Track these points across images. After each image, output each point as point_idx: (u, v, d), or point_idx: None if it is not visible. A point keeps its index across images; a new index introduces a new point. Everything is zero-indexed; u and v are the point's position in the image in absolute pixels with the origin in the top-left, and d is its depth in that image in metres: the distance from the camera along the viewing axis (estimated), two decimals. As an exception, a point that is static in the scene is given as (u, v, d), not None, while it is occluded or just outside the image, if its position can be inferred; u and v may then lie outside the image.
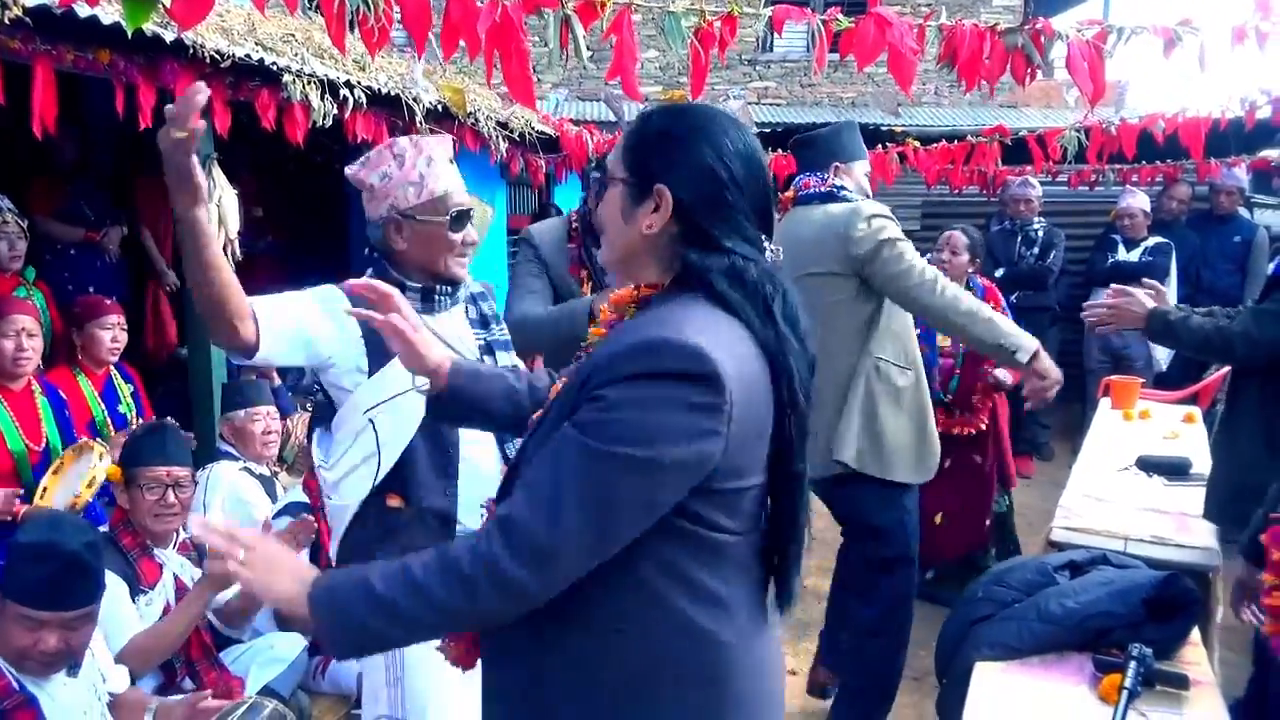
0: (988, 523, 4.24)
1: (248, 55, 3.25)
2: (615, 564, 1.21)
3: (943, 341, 4.14)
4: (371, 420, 1.94)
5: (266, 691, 2.51)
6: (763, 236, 1.31)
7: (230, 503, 3.10)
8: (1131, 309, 2.83)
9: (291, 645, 2.72)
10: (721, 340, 1.21)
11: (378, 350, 1.90)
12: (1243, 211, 6.43)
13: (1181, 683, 1.92)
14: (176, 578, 2.61)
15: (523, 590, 1.17)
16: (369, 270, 2.04)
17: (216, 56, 3.10)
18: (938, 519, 4.15)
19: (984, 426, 4.19)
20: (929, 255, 4.09)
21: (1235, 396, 2.79)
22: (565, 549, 1.17)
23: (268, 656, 2.65)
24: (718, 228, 1.28)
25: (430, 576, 1.18)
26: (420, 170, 2.00)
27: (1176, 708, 1.88)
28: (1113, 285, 2.97)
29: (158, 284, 5.04)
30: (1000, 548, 4.36)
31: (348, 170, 2.07)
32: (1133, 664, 1.87)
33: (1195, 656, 2.12)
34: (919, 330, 4.13)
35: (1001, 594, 2.28)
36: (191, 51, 3.02)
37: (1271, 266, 2.84)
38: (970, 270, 4.23)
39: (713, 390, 1.18)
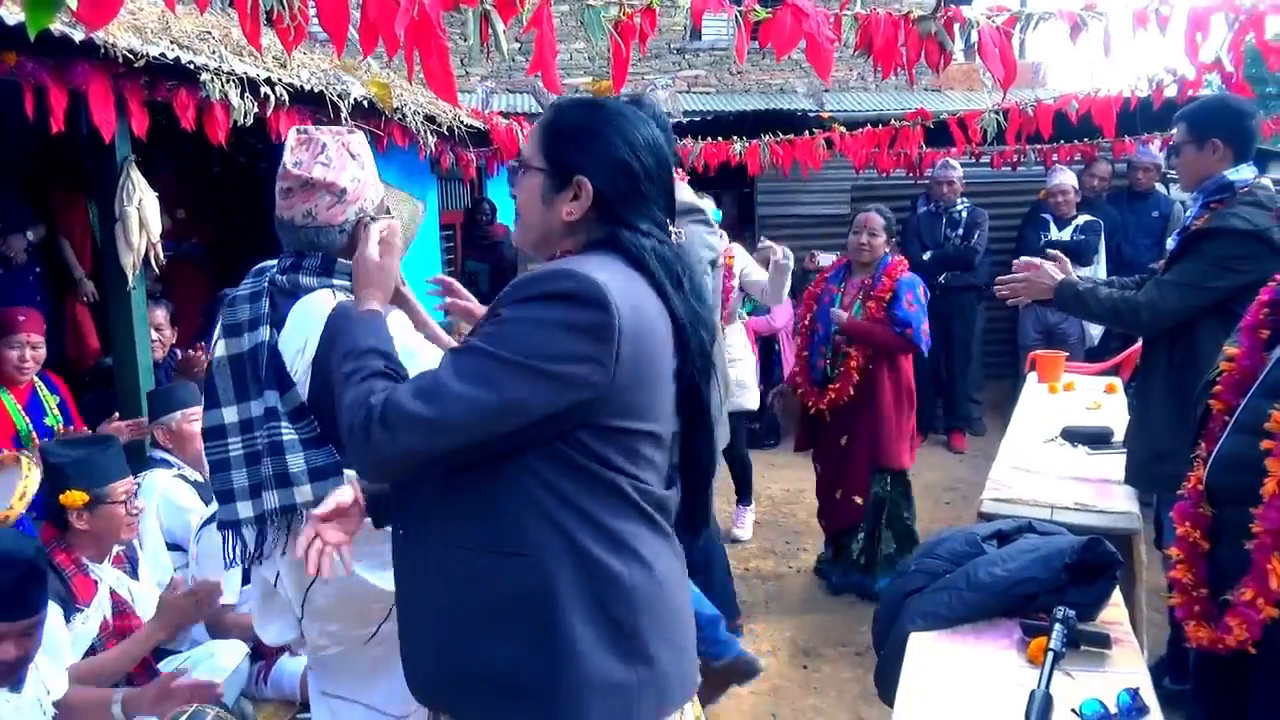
0: (859, 502, 4.15)
1: (163, 54, 3.18)
2: (518, 489, 1.34)
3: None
4: None
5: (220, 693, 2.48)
6: (667, 220, 1.47)
7: (165, 510, 3.05)
8: (1041, 280, 2.94)
9: (233, 653, 2.68)
10: (624, 287, 1.34)
11: None
12: (1160, 187, 6.64)
13: (1104, 642, 2.00)
14: (113, 591, 2.57)
15: (372, 431, 1.31)
16: (333, 272, 1.90)
17: (130, 56, 3.03)
18: (837, 494, 4.22)
19: (850, 395, 4.11)
20: (848, 238, 4.17)
21: (1147, 366, 2.90)
22: (443, 411, 1.29)
23: (209, 665, 2.61)
24: (632, 214, 1.42)
25: (351, 391, 1.37)
26: (373, 169, 1.94)
27: (1099, 666, 1.96)
28: (1022, 258, 3.09)
29: (75, 294, 4.92)
30: (870, 533, 4.18)
31: (303, 170, 1.86)
32: (1057, 626, 1.93)
33: (1117, 616, 2.20)
34: (815, 309, 4.28)
35: (933, 565, 2.34)
36: (103, 51, 2.94)
37: (1171, 240, 2.95)
38: (885, 249, 4.23)
39: (601, 319, 1.29)
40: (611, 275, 1.33)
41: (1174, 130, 2.81)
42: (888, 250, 4.26)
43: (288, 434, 1.82)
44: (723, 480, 5.05)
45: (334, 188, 1.86)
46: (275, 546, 1.88)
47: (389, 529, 1.57)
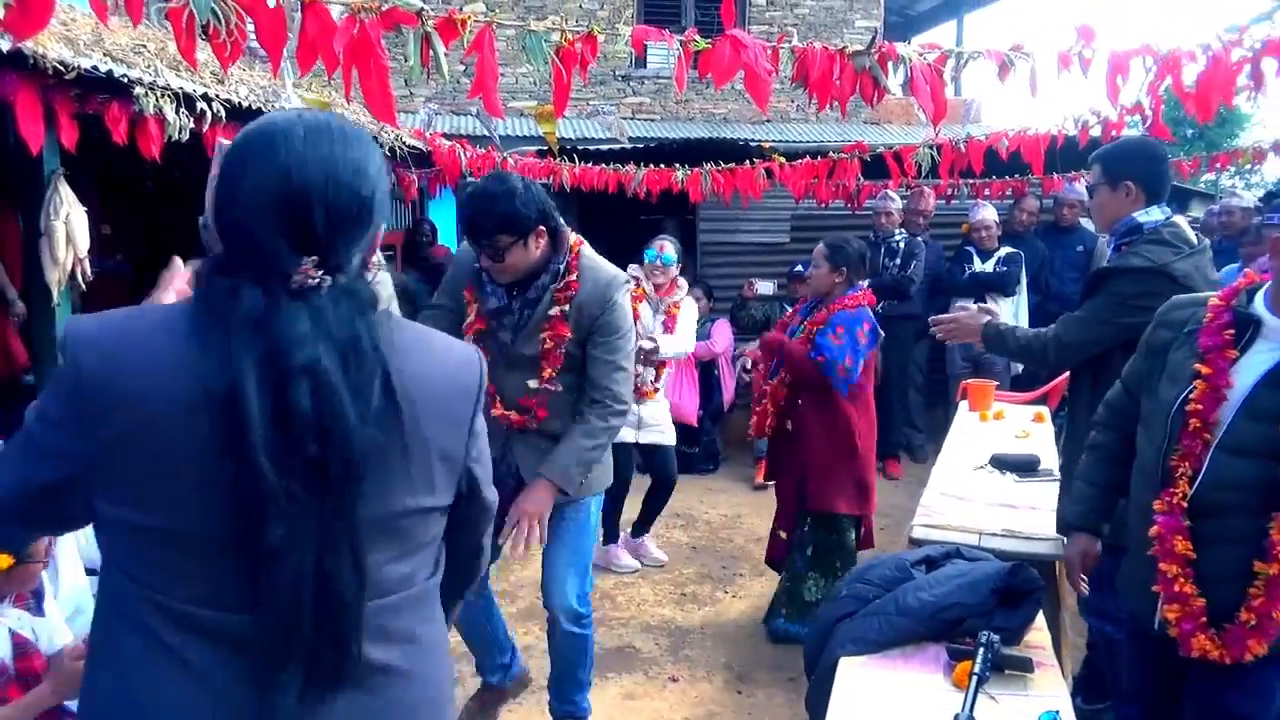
0: (783, 537, 4.06)
1: (95, 67, 3.12)
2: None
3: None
4: None
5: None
6: (307, 260, 1.13)
7: (87, 534, 2.95)
8: (970, 322, 3.05)
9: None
10: (138, 342, 1.12)
11: None
12: (1085, 223, 6.86)
13: (1026, 666, 2.04)
14: (13, 632, 2.47)
15: None
16: None
17: (60, 68, 2.97)
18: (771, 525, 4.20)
19: (764, 430, 4.04)
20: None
21: (1073, 411, 2.96)
22: None
23: None
24: (233, 252, 1.16)
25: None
26: None
27: (1022, 689, 2.00)
28: (957, 301, 3.22)
29: (4, 313, 4.77)
30: (794, 576, 4.00)
31: None
32: (982, 650, 1.98)
33: (1040, 640, 2.25)
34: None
35: (863, 591, 2.38)
36: (32, 62, 2.88)
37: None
38: (837, 280, 3.91)
39: (64, 366, 1.12)
40: (122, 323, 1.16)
41: (1090, 170, 2.88)
42: (838, 280, 3.92)
43: None
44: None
45: None
46: None
47: None
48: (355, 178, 1.16)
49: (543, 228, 2.56)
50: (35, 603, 2.59)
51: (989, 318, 3.06)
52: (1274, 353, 1.99)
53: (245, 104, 4.01)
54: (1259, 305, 2.04)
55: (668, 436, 4.83)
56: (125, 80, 3.30)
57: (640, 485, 4.91)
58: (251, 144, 1.16)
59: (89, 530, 2.95)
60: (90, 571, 2.93)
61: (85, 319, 1.15)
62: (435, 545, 1.30)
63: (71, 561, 2.87)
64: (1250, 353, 2.01)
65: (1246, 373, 2.00)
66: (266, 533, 1.07)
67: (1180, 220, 2.80)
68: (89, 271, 3.54)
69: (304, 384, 1.08)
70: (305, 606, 1.09)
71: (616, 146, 7.07)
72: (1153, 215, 2.74)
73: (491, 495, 1.40)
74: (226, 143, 1.21)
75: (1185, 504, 2.04)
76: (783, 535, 4.10)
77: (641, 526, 4.98)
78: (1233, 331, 2.04)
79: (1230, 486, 1.99)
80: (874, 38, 2.51)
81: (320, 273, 1.14)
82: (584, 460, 2.67)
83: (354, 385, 1.11)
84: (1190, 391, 2.04)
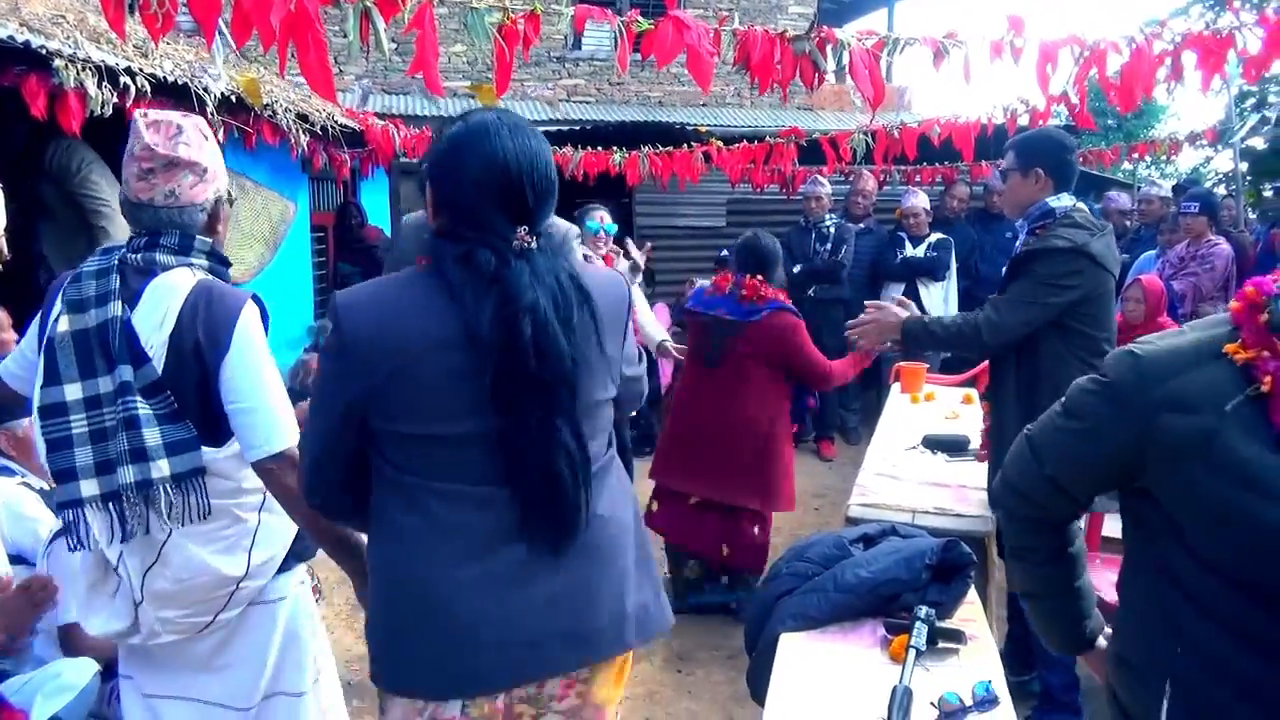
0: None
1: (11, 37, 3.00)
2: (374, 484, 1.57)
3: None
4: None
5: (55, 722, 2.34)
6: (521, 228, 1.50)
7: (8, 519, 2.85)
8: (887, 319, 3.06)
9: (81, 672, 2.53)
10: (390, 303, 1.49)
11: None
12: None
13: (959, 638, 2.10)
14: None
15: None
16: (191, 249, 1.91)
17: (-26, 38, 2.85)
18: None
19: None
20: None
21: (997, 392, 3.04)
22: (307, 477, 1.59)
23: (55, 685, 2.45)
24: (462, 222, 1.51)
25: None
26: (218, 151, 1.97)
27: (956, 660, 2.06)
28: (867, 301, 3.21)
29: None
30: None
31: (167, 150, 1.85)
32: (918, 624, 2.03)
33: (972, 614, 2.32)
34: None
35: (802, 568, 2.42)
36: (-56, 31, 2.76)
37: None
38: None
39: (336, 337, 1.48)
40: (374, 293, 1.52)
41: (1004, 157, 2.97)
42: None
43: (142, 409, 1.80)
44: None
45: (197, 166, 1.89)
46: (135, 525, 1.84)
47: (228, 513, 1.89)
48: (547, 164, 1.54)
49: None
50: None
51: (907, 314, 3.05)
52: None
53: (170, 79, 3.88)
54: None
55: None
56: (44, 52, 3.17)
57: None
58: (469, 141, 1.50)
59: (10, 517, 2.86)
60: (16, 560, 2.84)
61: (346, 294, 1.51)
62: (611, 425, 1.69)
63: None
64: None
65: None
66: (506, 426, 1.47)
67: (1082, 206, 2.93)
68: (5, 250, 3.40)
69: (527, 320, 1.44)
70: (549, 476, 1.50)
71: (554, 129, 7.02)
72: (1063, 201, 2.87)
73: (635, 372, 1.77)
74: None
75: None
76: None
77: None
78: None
79: None
80: (813, 23, 2.53)
81: (530, 237, 1.51)
82: None
83: (562, 317, 1.48)
84: None
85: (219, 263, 1.96)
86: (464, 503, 1.51)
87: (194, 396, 1.84)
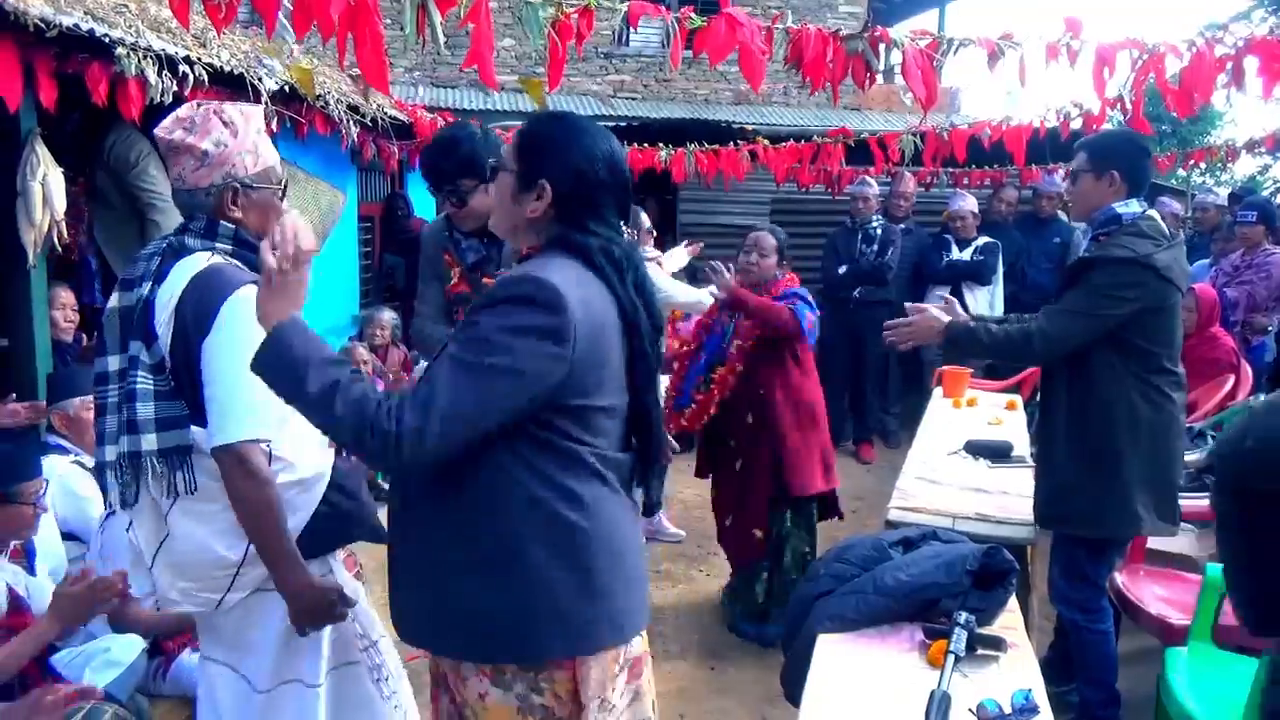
0: (759, 535, 3.81)
1: (76, 25, 3.07)
2: (494, 461, 1.58)
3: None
4: None
5: (104, 696, 2.39)
6: (622, 224, 1.72)
7: (61, 497, 2.92)
8: (928, 323, 2.91)
9: (129, 647, 2.59)
10: (577, 286, 1.56)
11: None
12: (1062, 215, 6.94)
13: (999, 645, 2.08)
14: (10, 587, 2.46)
15: (398, 444, 1.47)
16: (216, 235, 1.97)
17: (41, 25, 2.91)
18: (727, 521, 3.96)
19: (709, 414, 3.84)
20: (739, 256, 3.90)
21: (1046, 407, 2.96)
22: (432, 425, 1.47)
23: (103, 660, 2.52)
24: (585, 216, 1.65)
25: (345, 405, 1.47)
26: (254, 139, 1.98)
27: (994, 668, 2.04)
28: (934, 289, 3.11)
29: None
30: (773, 572, 3.86)
31: (161, 133, 1.95)
32: (957, 629, 2.01)
33: (1012, 622, 2.29)
34: (704, 337, 4.02)
35: (841, 570, 2.40)
36: (13, 19, 2.83)
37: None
38: (776, 271, 3.88)
39: (559, 322, 1.52)
40: (564, 276, 1.55)
41: (1074, 157, 2.89)
42: (779, 271, 3.91)
43: (143, 384, 1.90)
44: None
45: (195, 150, 1.93)
46: (128, 493, 1.94)
47: (222, 495, 1.86)
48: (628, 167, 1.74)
49: None
50: (28, 562, 2.58)
51: (950, 318, 2.89)
52: None
53: (227, 69, 3.95)
54: None
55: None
56: (107, 40, 3.24)
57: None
58: (593, 142, 1.66)
59: (64, 495, 2.94)
60: (68, 537, 2.91)
61: (543, 275, 1.55)
62: None
63: (49, 527, 2.85)
64: None
65: None
66: (647, 398, 1.73)
67: (1154, 214, 2.84)
68: (65, 233, 3.49)
69: (647, 309, 1.68)
70: (660, 442, 1.80)
71: (602, 125, 7.04)
72: (1131, 207, 2.77)
73: None
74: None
75: None
76: (757, 534, 3.80)
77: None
78: None
79: None
80: (867, 22, 2.52)
81: (630, 231, 1.73)
82: None
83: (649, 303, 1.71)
84: None
85: (249, 249, 1.96)
86: (620, 468, 1.71)
87: (186, 377, 1.90)
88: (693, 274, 6.63)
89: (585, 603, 1.63)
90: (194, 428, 1.90)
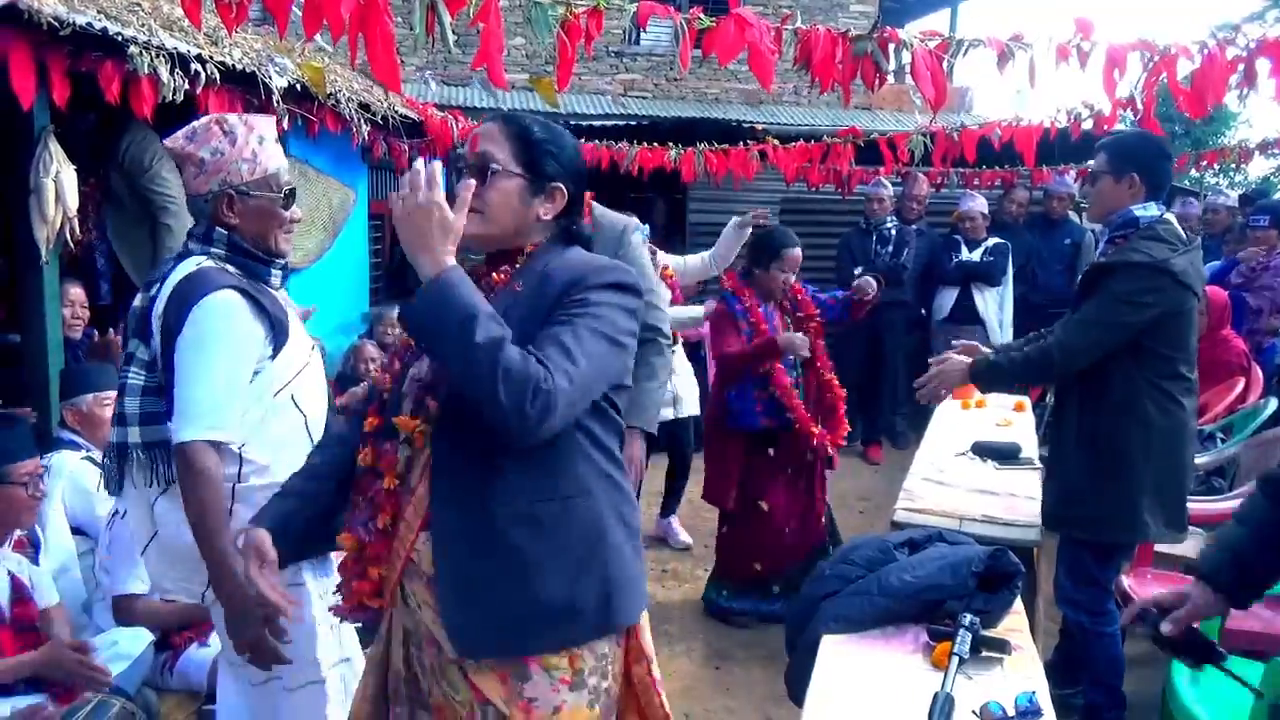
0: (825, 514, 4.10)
1: (89, 24, 3.08)
2: (571, 439, 1.60)
3: None
4: (292, 395, 2.06)
5: (111, 689, 2.41)
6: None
7: (71, 492, 2.95)
8: (953, 369, 2.98)
9: (136, 641, 2.61)
10: None
11: (281, 330, 2.03)
12: (1073, 216, 6.92)
13: (1004, 648, 2.08)
14: (13, 575, 2.48)
15: (552, 407, 1.45)
16: (212, 240, 2.05)
17: (55, 24, 2.93)
18: (787, 529, 3.98)
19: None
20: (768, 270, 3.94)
21: (1059, 414, 2.95)
22: (576, 389, 1.50)
23: (112, 653, 2.54)
24: (578, 210, 1.74)
25: (510, 360, 1.43)
26: (253, 147, 2.04)
27: (999, 670, 2.04)
28: (944, 289, 3.14)
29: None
30: (833, 540, 4.10)
31: (168, 143, 2.06)
32: (962, 631, 2.01)
33: (1017, 624, 2.29)
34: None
35: (846, 571, 2.40)
36: (27, 17, 2.84)
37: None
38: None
39: (639, 300, 1.67)
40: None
41: (1094, 158, 2.86)
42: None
43: (134, 379, 2.02)
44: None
45: (194, 158, 2.02)
46: (108, 480, 2.07)
47: None
48: None
49: None
50: (34, 552, 2.60)
51: (971, 358, 2.96)
52: None
53: (239, 67, 3.97)
54: None
55: (693, 406, 4.86)
56: (120, 39, 3.26)
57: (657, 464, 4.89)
58: (577, 144, 1.75)
59: (74, 490, 2.97)
60: (76, 532, 2.94)
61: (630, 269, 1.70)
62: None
63: (58, 520, 2.87)
64: None
65: None
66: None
67: (1171, 217, 2.81)
68: (78, 231, 3.51)
69: None
70: None
71: (611, 123, 7.05)
72: (1149, 211, 2.74)
73: None
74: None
75: None
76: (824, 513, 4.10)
77: (667, 508, 5.01)
78: None
79: None
80: (876, 22, 2.52)
81: None
82: (656, 401, 2.90)
83: None
84: None
85: (242, 254, 2.05)
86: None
87: (167, 375, 1.97)
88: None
89: (638, 563, 1.73)
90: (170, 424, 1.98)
